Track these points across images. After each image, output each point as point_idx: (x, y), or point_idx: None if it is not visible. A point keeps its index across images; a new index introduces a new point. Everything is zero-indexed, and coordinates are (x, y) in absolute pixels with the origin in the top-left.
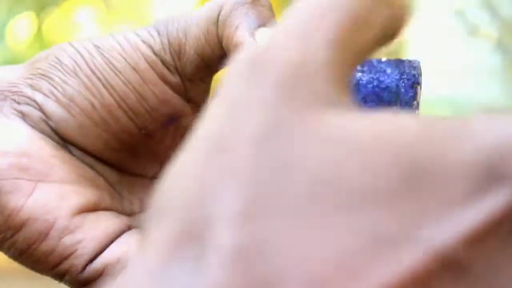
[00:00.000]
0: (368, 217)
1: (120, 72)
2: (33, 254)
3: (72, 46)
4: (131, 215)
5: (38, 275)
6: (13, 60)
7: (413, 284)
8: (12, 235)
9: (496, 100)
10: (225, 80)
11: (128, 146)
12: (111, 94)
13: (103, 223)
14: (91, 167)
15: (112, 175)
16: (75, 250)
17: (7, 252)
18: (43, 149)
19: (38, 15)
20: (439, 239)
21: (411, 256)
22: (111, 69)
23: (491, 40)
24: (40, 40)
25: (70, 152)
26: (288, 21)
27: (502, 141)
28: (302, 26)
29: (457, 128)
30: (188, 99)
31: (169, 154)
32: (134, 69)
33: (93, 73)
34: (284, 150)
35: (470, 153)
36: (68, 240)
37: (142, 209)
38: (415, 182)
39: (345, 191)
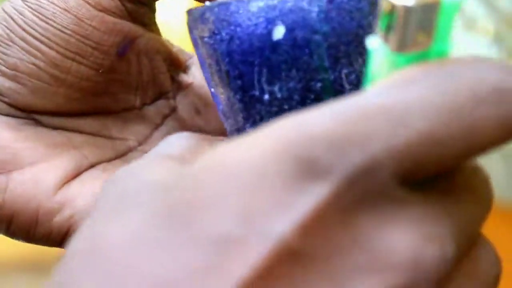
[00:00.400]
0: (204, 225)
1: (51, 19)
2: (34, 239)
3: (3, 10)
4: (129, 151)
5: (40, 269)
6: None
7: (264, 276)
8: (7, 229)
9: None
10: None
11: (93, 90)
12: (50, 47)
13: (90, 187)
14: (64, 128)
15: (91, 124)
16: (70, 226)
17: (15, 239)
18: (2, 136)
19: None
20: (279, 230)
21: (257, 251)
22: (42, 20)
23: (489, 34)
24: None
25: (38, 122)
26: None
27: (304, 134)
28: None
29: (258, 134)
30: (134, 20)
31: (143, 78)
32: (65, 10)
33: (27, 32)
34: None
35: (277, 150)
36: (59, 220)
37: (140, 141)
38: (243, 185)
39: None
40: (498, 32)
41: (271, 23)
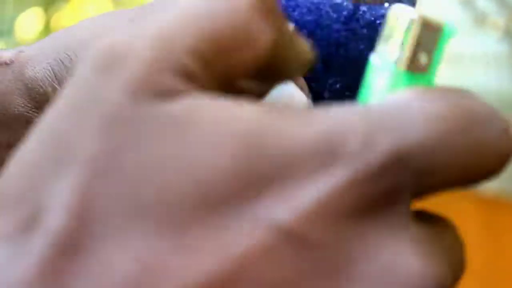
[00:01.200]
0: (202, 199)
1: None
2: None
3: None
4: None
5: None
6: None
7: (258, 258)
8: None
9: (504, 87)
10: (76, 71)
11: None
12: None
13: None
14: None
15: None
16: None
17: None
18: None
19: (46, 10)
20: (280, 215)
21: (251, 234)
22: None
23: (499, 29)
24: (48, 35)
25: None
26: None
27: (337, 126)
28: (169, 27)
29: (299, 116)
30: None
31: None
32: None
33: None
34: (123, 142)
35: (310, 137)
36: None
37: None
38: (258, 165)
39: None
40: (508, 27)
41: None
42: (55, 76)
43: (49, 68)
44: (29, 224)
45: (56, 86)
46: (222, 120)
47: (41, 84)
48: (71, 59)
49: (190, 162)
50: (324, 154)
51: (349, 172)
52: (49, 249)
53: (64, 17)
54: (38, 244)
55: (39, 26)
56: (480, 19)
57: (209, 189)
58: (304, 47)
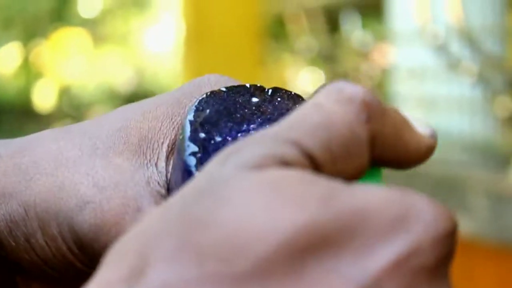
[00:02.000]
0: (302, 262)
1: None
2: None
3: None
4: None
5: None
6: None
7: None
8: None
9: (477, 132)
10: (204, 169)
11: None
12: None
13: None
14: None
15: None
16: None
17: None
18: None
19: (25, 45)
20: (359, 271)
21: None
22: None
23: (472, 74)
24: (26, 70)
25: None
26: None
27: (408, 196)
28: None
29: (371, 187)
30: None
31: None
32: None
33: None
34: (215, 204)
35: (385, 203)
36: None
37: None
38: (338, 222)
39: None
40: (481, 72)
41: None
42: (11, 233)
43: (5, 221)
44: (134, 274)
45: (12, 243)
46: (305, 183)
47: None
48: (25, 222)
49: (272, 216)
50: (398, 218)
51: (422, 236)
52: None
53: (43, 53)
54: None
55: (18, 60)
56: (453, 65)
57: (292, 241)
58: (418, 136)
